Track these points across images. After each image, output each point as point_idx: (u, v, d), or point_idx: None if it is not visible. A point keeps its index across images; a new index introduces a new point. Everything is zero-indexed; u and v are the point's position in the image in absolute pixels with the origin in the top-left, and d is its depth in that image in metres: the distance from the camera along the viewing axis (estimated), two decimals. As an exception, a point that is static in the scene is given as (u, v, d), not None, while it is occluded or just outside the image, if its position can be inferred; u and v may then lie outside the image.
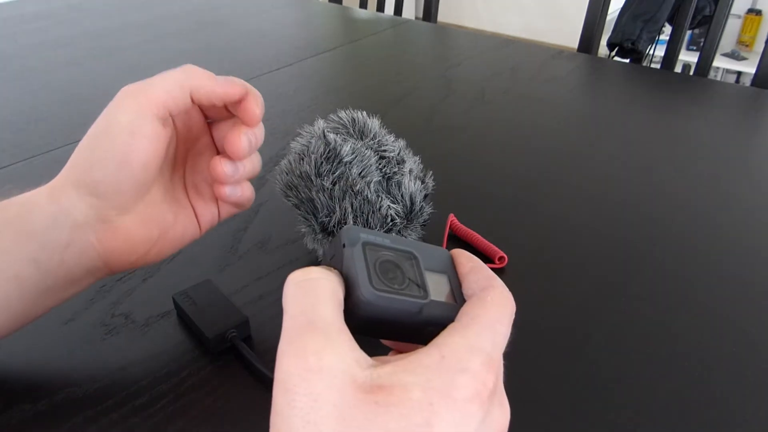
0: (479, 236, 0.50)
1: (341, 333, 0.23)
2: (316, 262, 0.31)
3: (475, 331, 0.25)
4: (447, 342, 0.24)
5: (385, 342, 0.31)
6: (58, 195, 0.33)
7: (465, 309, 0.26)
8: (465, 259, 0.30)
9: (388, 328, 0.27)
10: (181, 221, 0.38)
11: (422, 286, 0.27)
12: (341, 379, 0.22)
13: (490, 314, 0.26)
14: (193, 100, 0.35)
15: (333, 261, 0.27)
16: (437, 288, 0.28)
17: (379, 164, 0.44)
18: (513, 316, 0.27)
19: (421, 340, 0.26)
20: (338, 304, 0.25)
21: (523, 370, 0.40)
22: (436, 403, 0.22)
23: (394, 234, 0.44)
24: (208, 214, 0.40)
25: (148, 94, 0.34)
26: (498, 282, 0.28)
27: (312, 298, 0.24)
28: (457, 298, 0.28)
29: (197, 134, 0.39)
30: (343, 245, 0.26)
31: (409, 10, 3.80)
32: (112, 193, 0.34)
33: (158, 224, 0.37)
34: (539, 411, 0.37)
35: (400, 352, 0.30)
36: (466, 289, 0.28)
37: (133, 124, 0.33)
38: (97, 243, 0.34)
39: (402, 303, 0.26)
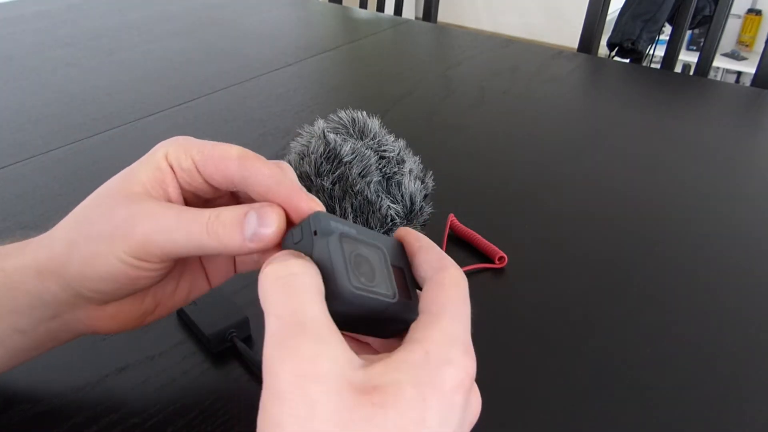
0: (479, 236, 0.50)
1: (333, 334, 0.23)
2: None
3: (448, 321, 0.25)
4: (427, 337, 0.24)
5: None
6: (45, 278, 0.29)
7: (430, 297, 0.26)
8: (413, 238, 0.29)
9: (357, 324, 0.27)
10: (185, 285, 0.34)
11: (390, 285, 0.26)
12: (337, 383, 0.21)
13: (453, 298, 0.26)
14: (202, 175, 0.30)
15: (299, 246, 0.26)
16: (398, 284, 0.27)
17: (379, 164, 0.44)
18: (468, 292, 0.27)
19: (383, 335, 0.26)
20: (323, 300, 0.24)
21: (524, 369, 0.40)
22: (429, 398, 0.22)
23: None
24: (222, 273, 0.34)
25: (143, 240, 0.28)
26: (449, 261, 0.27)
27: (299, 296, 0.23)
28: (411, 291, 0.28)
29: (213, 194, 0.32)
30: (314, 232, 0.25)
31: (409, 10, 3.80)
32: (98, 299, 0.31)
33: (154, 297, 0.33)
34: (539, 410, 0.37)
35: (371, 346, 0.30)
36: (419, 270, 0.28)
37: (130, 265, 0.28)
38: (86, 320, 0.32)
39: (373, 302, 0.25)
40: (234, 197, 0.33)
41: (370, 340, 0.30)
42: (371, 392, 0.22)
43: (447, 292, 0.26)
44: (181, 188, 0.30)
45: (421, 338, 0.24)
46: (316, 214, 0.26)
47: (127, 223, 0.28)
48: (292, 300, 0.23)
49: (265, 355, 0.22)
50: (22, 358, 0.33)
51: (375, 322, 0.27)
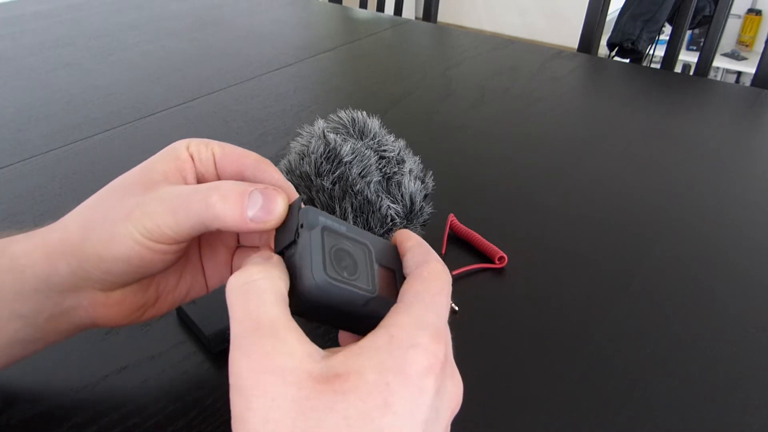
0: (479, 236, 0.50)
1: (289, 330, 0.24)
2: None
3: (419, 308, 0.25)
4: (393, 322, 0.24)
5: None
6: (55, 260, 0.30)
7: (405, 287, 0.27)
8: (404, 238, 0.30)
9: (331, 315, 0.28)
10: (185, 282, 0.35)
11: (371, 280, 0.27)
12: (296, 375, 0.22)
13: (430, 289, 0.26)
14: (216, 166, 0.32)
15: (285, 236, 0.27)
16: (385, 284, 0.28)
17: (379, 164, 0.44)
18: (450, 286, 0.27)
19: (359, 331, 0.26)
20: (281, 300, 0.25)
21: (523, 369, 0.40)
22: (392, 382, 0.22)
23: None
24: (218, 276, 0.35)
25: (157, 221, 0.28)
26: (433, 256, 0.28)
27: (254, 299, 0.24)
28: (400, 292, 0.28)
29: None
30: (301, 225, 0.27)
31: (409, 10, 3.80)
32: (108, 283, 0.31)
33: (157, 288, 0.34)
34: (539, 410, 0.37)
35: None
36: (405, 268, 0.29)
37: (145, 247, 0.29)
38: (90, 307, 0.32)
39: (350, 294, 0.26)
40: None
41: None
42: (332, 380, 0.22)
43: (424, 283, 0.26)
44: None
45: (388, 324, 0.24)
46: (306, 209, 0.27)
47: (140, 207, 0.28)
48: (249, 304, 0.24)
49: (229, 358, 0.23)
50: (19, 352, 0.32)
51: (353, 317, 0.27)
